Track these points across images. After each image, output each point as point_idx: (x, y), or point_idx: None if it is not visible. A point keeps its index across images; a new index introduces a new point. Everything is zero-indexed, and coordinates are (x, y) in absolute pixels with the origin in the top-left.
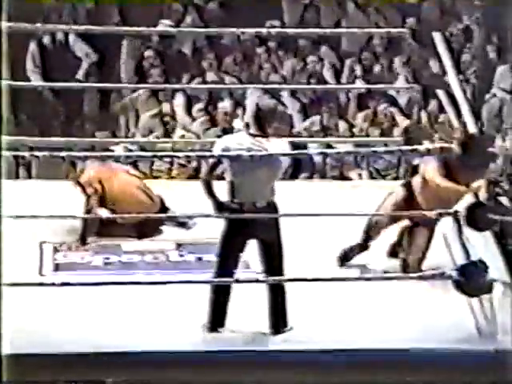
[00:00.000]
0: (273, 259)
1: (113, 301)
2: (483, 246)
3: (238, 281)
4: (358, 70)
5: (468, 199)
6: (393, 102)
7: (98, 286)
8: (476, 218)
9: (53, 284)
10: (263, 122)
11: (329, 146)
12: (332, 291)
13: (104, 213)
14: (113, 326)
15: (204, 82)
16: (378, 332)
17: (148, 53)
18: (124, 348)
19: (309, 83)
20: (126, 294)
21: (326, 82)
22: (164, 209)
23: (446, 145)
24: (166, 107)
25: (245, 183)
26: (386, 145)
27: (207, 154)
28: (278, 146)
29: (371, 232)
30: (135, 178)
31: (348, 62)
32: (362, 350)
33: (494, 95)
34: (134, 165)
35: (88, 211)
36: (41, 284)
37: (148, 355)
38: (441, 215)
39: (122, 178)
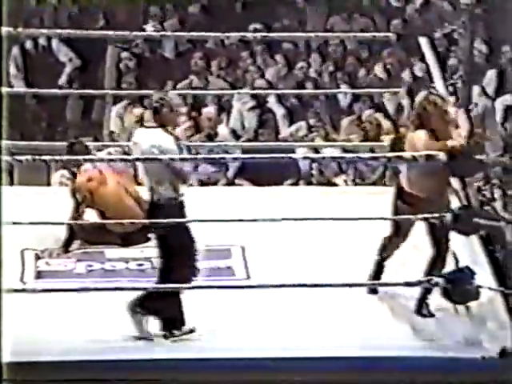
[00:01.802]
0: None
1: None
2: (469, 251)
3: (221, 287)
4: (343, 75)
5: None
6: (379, 108)
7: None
8: (462, 222)
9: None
10: (155, 113)
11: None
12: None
13: (91, 217)
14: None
15: (189, 86)
16: (361, 338)
17: (125, 54)
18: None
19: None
20: (110, 302)
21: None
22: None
23: (432, 152)
24: (146, 113)
25: (147, 178)
26: (372, 150)
27: (191, 157)
28: (153, 137)
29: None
30: (128, 184)
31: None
32: (351, 357)
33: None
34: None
35: (75, 218)
36: (40, 290)
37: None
38: (426, 219)
39: (114, 183)
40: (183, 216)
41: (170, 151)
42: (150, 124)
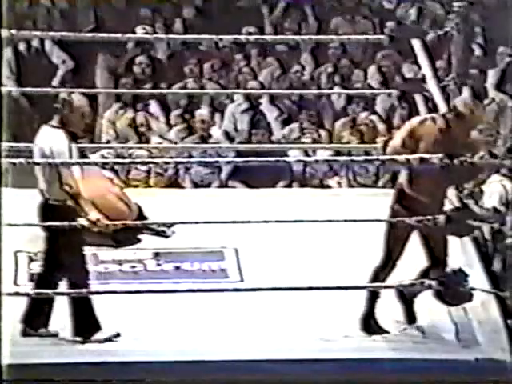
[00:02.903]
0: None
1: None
2: (462, 253)
3: (216, 290)
4: (337, 78)
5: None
6: (373, 109)
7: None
8: (455, 224)
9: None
10: (58, 114)
11: (308, 155)
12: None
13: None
14: None
15: (183, 88)
16: (356, 340)
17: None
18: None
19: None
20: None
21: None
22: (142, 218)
23: (426, 155)
24: (140, 116)
25: (40, 177)
26: (366, 153)
27: (184, 160)
28: (50, 138)
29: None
30: (116, 187)
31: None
32: (345, 359)
33: (493, 100)
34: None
35: None
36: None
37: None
38: (420, 222)
39: (100, 185)
40: (73, 219)
41: (60, 154)
42: (53, 124)
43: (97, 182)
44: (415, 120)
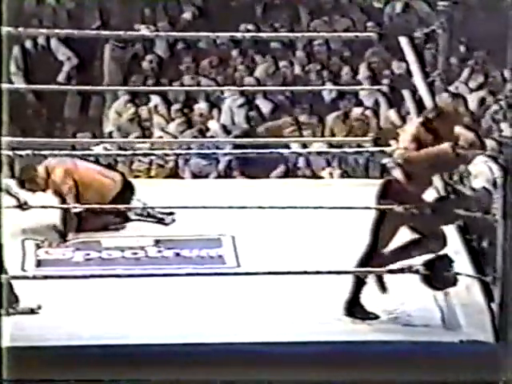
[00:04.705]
0: None
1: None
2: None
3: (214, 274)
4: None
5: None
6: (361, 104)
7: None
8: (440, 212)
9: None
10: None
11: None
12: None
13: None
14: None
15: (182, 85)
16: (340, 323)
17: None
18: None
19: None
20: (105, 290)
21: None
22: (126, 184)
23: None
24: (144, 111)
25: None
26: (358, 145)
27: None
28: None
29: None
30: (94, 165)
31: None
32: (331, 341)
33: None
34: (113, 165)
35: (66, 209)
36: (42, 277)
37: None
38: (407, 209)
39: (82, 167)
40: None
41: None
42: None
43: (86, 170)
44: (412, 123)
